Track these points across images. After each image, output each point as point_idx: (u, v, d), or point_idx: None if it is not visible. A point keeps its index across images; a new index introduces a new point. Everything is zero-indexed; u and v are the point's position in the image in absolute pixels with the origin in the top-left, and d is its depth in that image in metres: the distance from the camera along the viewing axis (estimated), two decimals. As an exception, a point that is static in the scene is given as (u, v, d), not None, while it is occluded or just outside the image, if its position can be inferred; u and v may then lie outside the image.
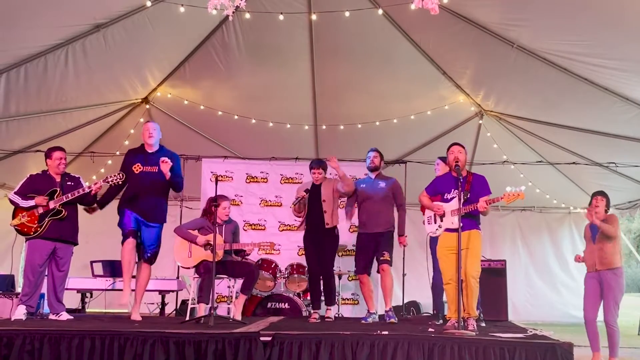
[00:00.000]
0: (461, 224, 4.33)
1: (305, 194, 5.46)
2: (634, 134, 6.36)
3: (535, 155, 7.85)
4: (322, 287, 5.59)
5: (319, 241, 5.48)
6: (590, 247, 5.07)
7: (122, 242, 5.11)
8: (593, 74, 5.57)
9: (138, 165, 5.17)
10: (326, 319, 5.53)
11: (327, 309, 5.65)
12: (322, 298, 5.67)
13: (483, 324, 5.24)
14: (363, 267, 5.45)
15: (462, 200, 4.39)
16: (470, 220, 4.50)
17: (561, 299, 9.28)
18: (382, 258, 5.32)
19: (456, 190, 4.46)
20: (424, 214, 4.95)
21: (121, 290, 6.79)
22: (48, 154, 5.26)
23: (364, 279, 5.47)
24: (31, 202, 5.04)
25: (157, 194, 5.17)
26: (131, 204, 5.11)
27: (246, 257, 5.40)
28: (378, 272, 5.42)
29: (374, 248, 5.38)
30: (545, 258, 9.48)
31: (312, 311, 5.62)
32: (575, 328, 6.79)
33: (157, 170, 5.12)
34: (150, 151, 5.27)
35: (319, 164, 5.62)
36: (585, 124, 6.65)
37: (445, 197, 4.64)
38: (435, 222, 4.70)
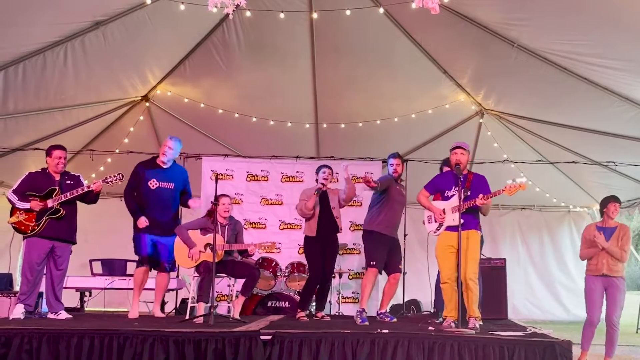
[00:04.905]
0: (462, 221, 4.33)
1: (322, 186, 5.42)
2: (633, 133, 6.36)
3: (535, 154, 7.84)
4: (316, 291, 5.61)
5: (328, 249, 5.50)
6: (599, 251, 4.99)
7: (137, 267, 5.32)
8: (593, 74, 5.56)
9: (154, 181, 5.31)
10: (323, 317, 5.53)
11: (318, 312, 5.63)
12: (313, 303, 5.76)
13: (480, 323, 5.23)
14: (381, 264, 5.29)
15: (462, 197, 4.40)
16: (471, 218, 4.50)
17: (560, 298, 9.29)
18: (400, 267, 5.46)
19: (456, 188, 4.46)
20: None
21: (120, 289, 6.83)
22: (48, 152, 5.23)
23: (376, 275, 5.29)
24: (27, 205, 5.02)
25: (173, 208, 5.40)
26: (147, 226, 5.21)
27: (249, 256, 5.39)
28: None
29: (389, 252, 5.34)
30: (545, 257, 9.49)
31: (300, 310, 5.49)
32: (574, 326, 6.80)
33: (172, 187, 5.36)
34: (164, 167, 5.41)
35: (326, 165, 5.65)
36: (585, 124, 6.65)
37: (445, 195, 4.66)
38: (435, 221, 4.71)
